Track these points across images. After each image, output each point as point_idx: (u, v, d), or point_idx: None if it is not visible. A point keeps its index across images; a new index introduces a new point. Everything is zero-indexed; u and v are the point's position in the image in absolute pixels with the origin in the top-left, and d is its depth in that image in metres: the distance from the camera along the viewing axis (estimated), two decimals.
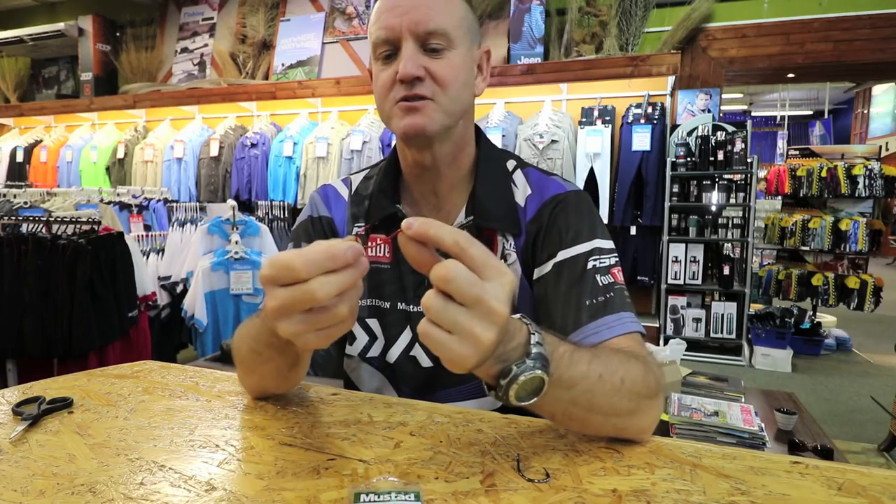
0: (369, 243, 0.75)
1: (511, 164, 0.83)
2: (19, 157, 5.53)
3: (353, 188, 0.87)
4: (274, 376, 0.67)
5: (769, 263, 5.03)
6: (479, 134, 0.83)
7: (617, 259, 0.75)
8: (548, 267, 0.74)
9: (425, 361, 0.79)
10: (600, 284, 0.71)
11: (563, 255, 0.73)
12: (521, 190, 0.80)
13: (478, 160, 0.80)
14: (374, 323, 0.82)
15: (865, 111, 9.82)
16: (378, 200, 0.81)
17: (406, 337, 0.80)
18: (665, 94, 3.91)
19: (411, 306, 0.79)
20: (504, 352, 0.48)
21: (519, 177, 0.82)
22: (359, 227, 0.84)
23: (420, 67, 0.69)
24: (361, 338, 0.82)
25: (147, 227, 3.24)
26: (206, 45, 5.29)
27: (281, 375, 0.66)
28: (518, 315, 0.52)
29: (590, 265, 0.72)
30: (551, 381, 0.51)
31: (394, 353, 0.81)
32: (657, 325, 3.88)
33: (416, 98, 0.70)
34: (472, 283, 0.43)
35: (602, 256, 0.73)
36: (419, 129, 0.71)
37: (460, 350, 0.44)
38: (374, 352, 0.82)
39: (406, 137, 0.73)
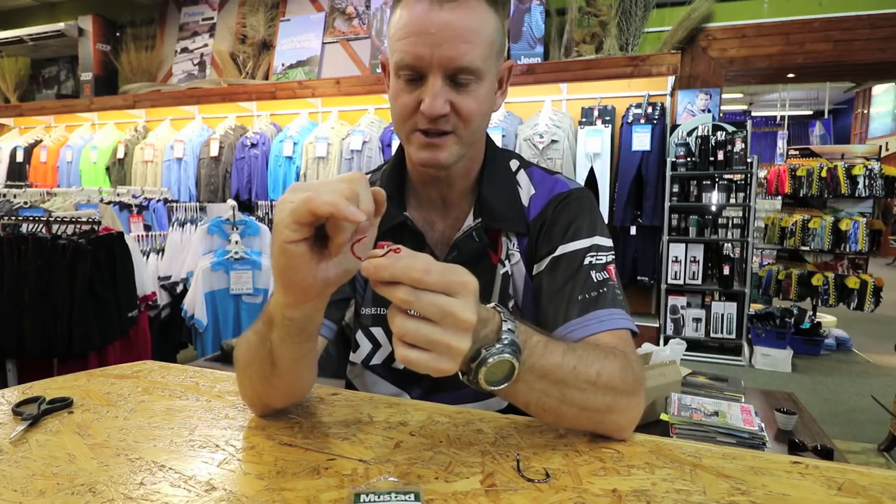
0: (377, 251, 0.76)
1: (514, 164, 0.84)
2: (19, 157, 5.52)
3: None
4: (284, 372, 0.61)
5: (769, 263, 5.02)
6: (486, 137, 0.83)
7: (614, 257, 0.75)
8: (547, 261, 0.75)
9: None
10: (594, 280, 0.71)
11: (562, 249, 0.74)
12: (525, 190, 0.81)
13: (484, 163, 0.81)
14: (378, 332, 0.82)
15: (865, 111, 9.81)
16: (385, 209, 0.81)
17: None
18: (665, 94, 3.91)
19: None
20: (476, 338, 0.49)
21: (522, 177, 0.83)
22: None
23: (447, 104, 0.66)
24: (364, 346, 0.82)
25: (147, 227, 3.24)
26: (206, 45, 5.28)
27: (292, 373, 0.62)
28: (492, 304, 0.54)
29: (586, 261, 0.73)
30: (523, 368, 0.53)
31: None
32: (657, 325, 3.87)
33: (438, 133, 0.69)
34: (434, 300, 0.45)
35: (599, 253, 0.74)
36: (437, 163, 0.71)
37: (439, 365, 0.46)
38: (378, 359, 0.82)
39: (423, 167, 0.73)
